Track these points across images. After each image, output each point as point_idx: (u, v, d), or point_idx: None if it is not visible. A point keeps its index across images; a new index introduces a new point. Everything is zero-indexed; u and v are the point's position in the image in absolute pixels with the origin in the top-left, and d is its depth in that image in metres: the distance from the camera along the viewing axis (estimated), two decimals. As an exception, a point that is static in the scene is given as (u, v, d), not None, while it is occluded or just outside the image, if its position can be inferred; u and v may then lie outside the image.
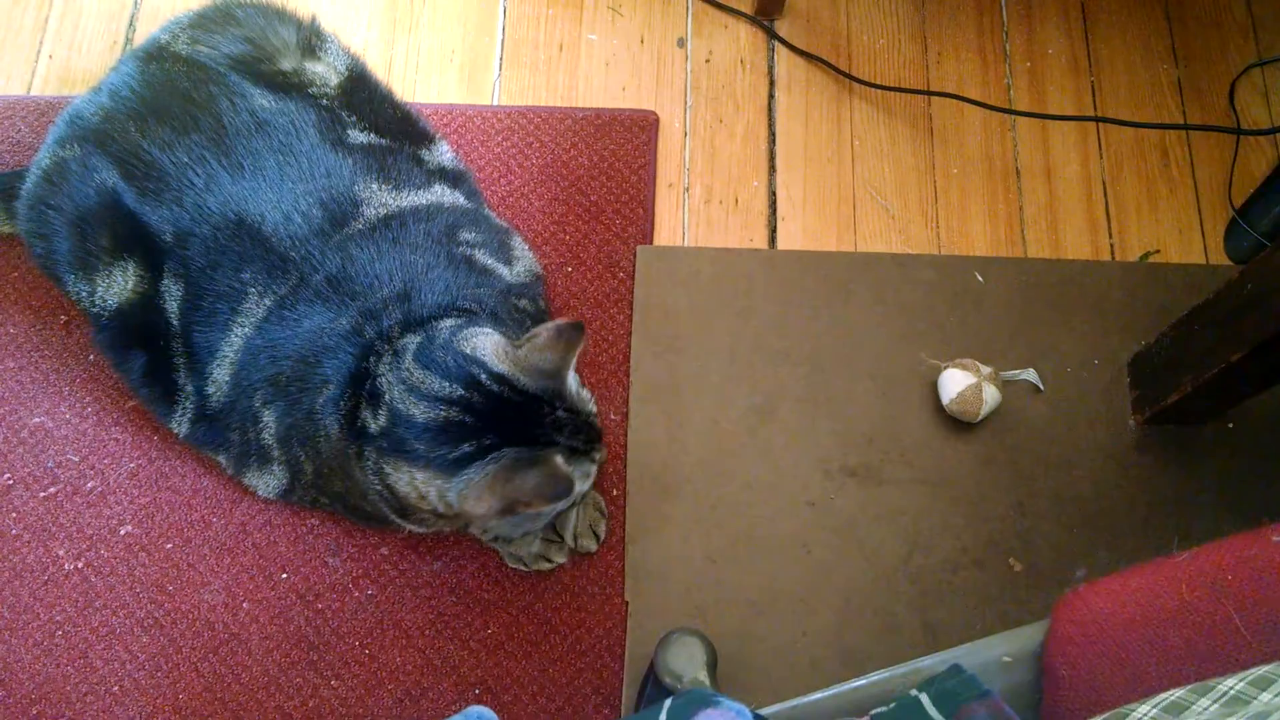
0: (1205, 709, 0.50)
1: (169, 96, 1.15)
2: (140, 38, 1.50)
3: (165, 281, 1.13)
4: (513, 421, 0.99)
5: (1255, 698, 0.50)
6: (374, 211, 1.14)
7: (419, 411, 0.98)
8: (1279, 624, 0.53)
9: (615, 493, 1.29)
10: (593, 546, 1.26)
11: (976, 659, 0.64)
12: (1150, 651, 0.55)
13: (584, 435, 1.02)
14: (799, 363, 1.35)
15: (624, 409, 1.32)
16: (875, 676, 0.69)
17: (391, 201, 1.15)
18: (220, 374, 1.13)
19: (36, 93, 1.48)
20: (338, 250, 1.10)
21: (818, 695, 0.71)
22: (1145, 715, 0.51)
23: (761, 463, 1.32)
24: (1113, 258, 1.43)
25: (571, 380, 1.02)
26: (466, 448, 0.97)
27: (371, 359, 1.03)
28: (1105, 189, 1.46)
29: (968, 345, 1.35)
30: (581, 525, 1.25)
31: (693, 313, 1.38)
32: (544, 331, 0.99)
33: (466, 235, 1.19)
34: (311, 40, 1.24)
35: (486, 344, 1.00)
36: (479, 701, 1.20)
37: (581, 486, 1.02)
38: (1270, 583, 0.55)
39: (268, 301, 1.10)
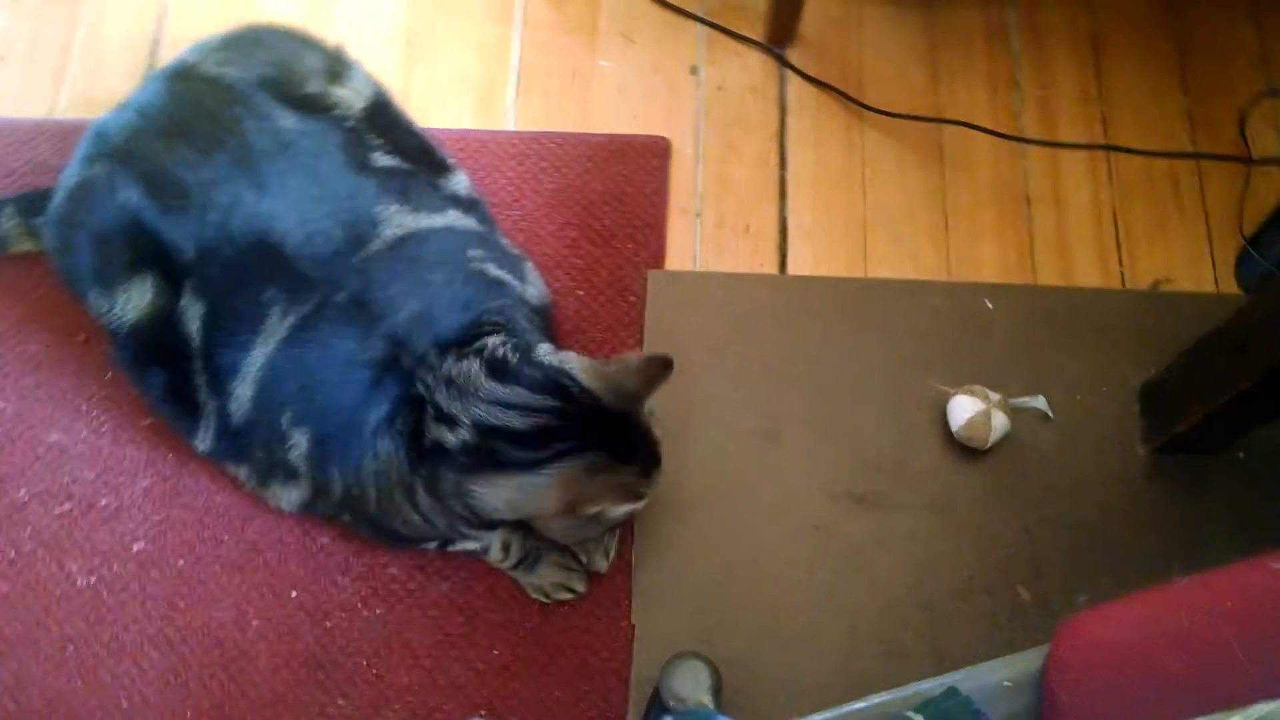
0: None
1: (195, 115, 1.17)
2: (163, 63, 1.52)
3: (186, 299, 1.15)
4: (598, 429, 1.06)
5: None
6: (393, 232, 1.15)
7: (517, 421, 1.04)
8: (1277, 650, 0.53)
9: (623, 515, 1.29)
10: (604, 565, 1.26)
11: (977, 683, 0.64)
12: (1150, 678, 0.55)
13: (650, 457, 1.10)
14: (807, 388, 1.36)
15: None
16: (875, 699, 0.69)
17: (410, 222, 1.17)
18: (243, 392, 1.14)
19: (60, 115, 1.51)
20: (358, 271, 1.12)
21: (817, 717, 0.72)
22: None
23: (769, 487, 1.32)
24: (1123, 285, 1.43)
25: (646, 409, 1.10)
26: (560, 445, 1.04)
27: (420, 385, 1.07)
28: (1115, 217, 1.46)
29: (977, 372, 1.35)
30: (595, 544, 1.26)
31: (702, 337, 1.38)
32: (635, 358, 1.09)
33: (477, 252, 1.21)
34: (337, 66, 1.25)
35: (571, 357, 1.09)
36: (485, 723, 1.21)
37: (639, 505, 1.10)
38: (1270, 610, 0.55)
39: (290, 321, 1.11)
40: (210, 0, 1.59)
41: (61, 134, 1.47)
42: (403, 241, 1.15)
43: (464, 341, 1.09)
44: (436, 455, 1.06)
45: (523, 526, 1.16)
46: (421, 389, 1.06)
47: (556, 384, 1.05)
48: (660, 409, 1.33)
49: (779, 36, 1.53)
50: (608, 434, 1.06)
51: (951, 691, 0.59)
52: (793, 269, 1.43)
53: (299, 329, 1.11)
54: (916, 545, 1.29)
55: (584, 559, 1.25)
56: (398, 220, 1.16)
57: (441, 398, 1.05)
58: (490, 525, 1.12)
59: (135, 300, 1.15)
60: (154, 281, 1.15)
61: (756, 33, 1.55)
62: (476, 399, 1.04)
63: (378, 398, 1.08)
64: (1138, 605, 0.60)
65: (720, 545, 1.29)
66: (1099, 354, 1.37)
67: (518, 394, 1.04)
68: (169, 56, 1.50)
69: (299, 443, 1.14)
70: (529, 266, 1.31)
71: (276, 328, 1.12)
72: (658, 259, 1.43)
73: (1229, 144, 1.50)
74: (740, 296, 1.41)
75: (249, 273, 1.12)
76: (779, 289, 1.42)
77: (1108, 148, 1.48)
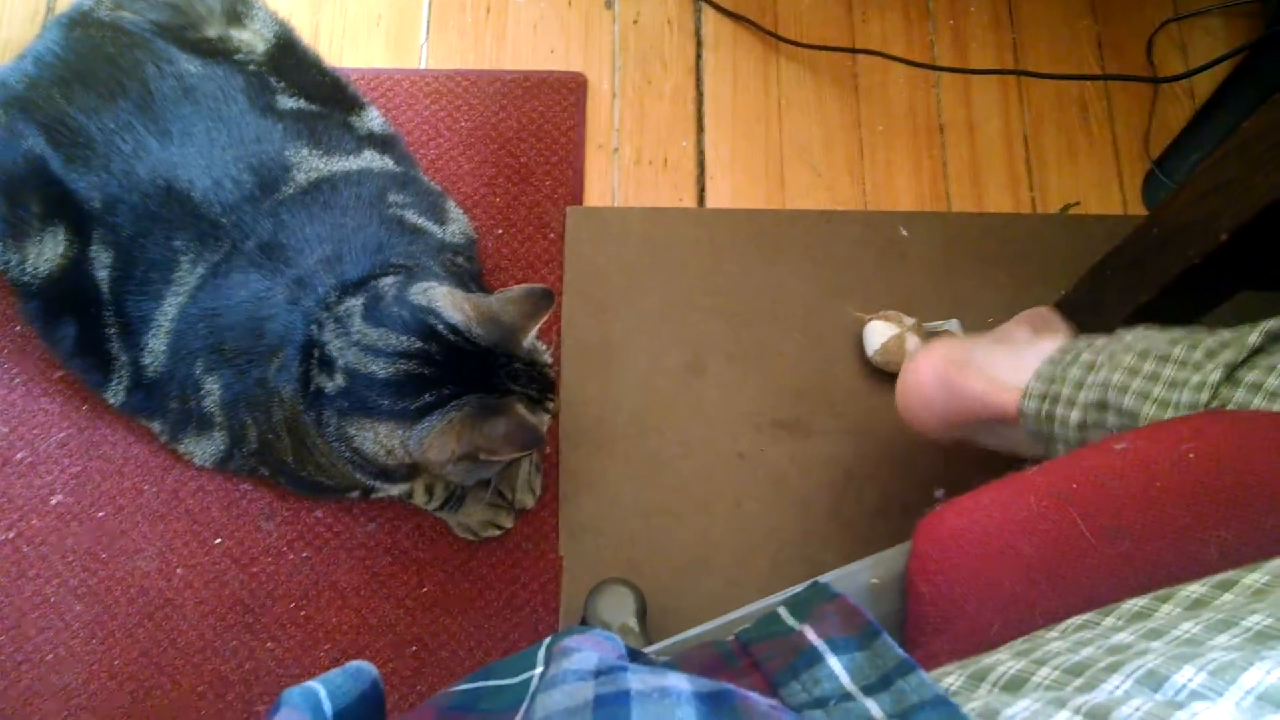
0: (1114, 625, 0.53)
1: (95, 62, 1.14)
2: (63, 6, 1.48)
3: (94, 249, 1.13)
4: (470, 370, 1.00)
5: (1158, 609, 0.52)
6: (304, 176, 1.14)
7: (379, 368, 0.99)
8: (1119, 526, 0.56)
9: (549, 450, 1.30)
10: (530, 501, 1.27)
11: (846, 584, 0.67)
12: (1002, 561, 0.58)
13: (538, 384, 1.05)
14: (729, 319, 1.37)
15: (557, 368, 1.34)
16: (752, 607, 0.71)
17: (322, 166, 1.16)
18: (156, 343, 1.13)
19: (-46, 63, 1.46)
20: (269, 216, 1.10)
21: (698, 629, 0.74)
22: (1053, 640, 0.54)
23: (693, 418, 1.33)
24: (1034, 210, 1.45)
25: (530, 340, 1.05)
26: (428, 397, 0.99)
27: (314, 326, 1.04)
28: (1026, 143, 1.48)
29: (894, 298, 1.38)
30: (521, 480, 1.27)
31: (623, 272, 1.39)
32: (516, 289, 1.03)
33: (397, 197, 1.20)
34: (237, 6, 1.23)
35: (439, 295, 1.02)
36: (414, 659, 1.22)
37: (534, 447, 1.04)
38: (1112, 487, 0.57)
39: (200, 269, 1.10)
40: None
41: (-44, 82, 1.42)
42: (316, 186, 1.14)
43: (363, 282, 1.05)
44: (319, 399, 1.02)
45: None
46: (315, 331, 1.03)
47: (423, 325, 0.99)
48: (584, 343, 1.35)
49: (693, -31, 1.53)
50: (483, 375, 1.01)
51: (813, 583, 0.61)
52: (711, 202, 1.44)
53: (210, 276, 1.10)
54: (838, 469, 1.32)
55: (510, 496, 1.26)
56: (310, 164, 1.15)
57: (329, 338, 1.02)
58: (388, 474, 1.07)
59: (48, 252, 1.13)
60: (65, 232, 1.13)
61: (671, -35, 1.54)
62: (350, 342, 1.00)
63: (282, 342, 1.06)
64: (990, 493, 0.62)
65: (646, 476, 1.31)
66: (1011, 278, 1.40)
67: (384, 337, 0.99)
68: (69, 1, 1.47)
69: (212, 390, 1.13)
70: (451, 202, 1.30)
71: (187, 276, 1.10)
72: (576, 195, 1.43)
73: (1137, 69, 1.52)
74: (660, 230, 1.41)
75: (157, 221, 1.11)
76: (699, 222, 1.42)
77: (1018, 73, 1.49)
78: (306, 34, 1.44)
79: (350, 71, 1.44)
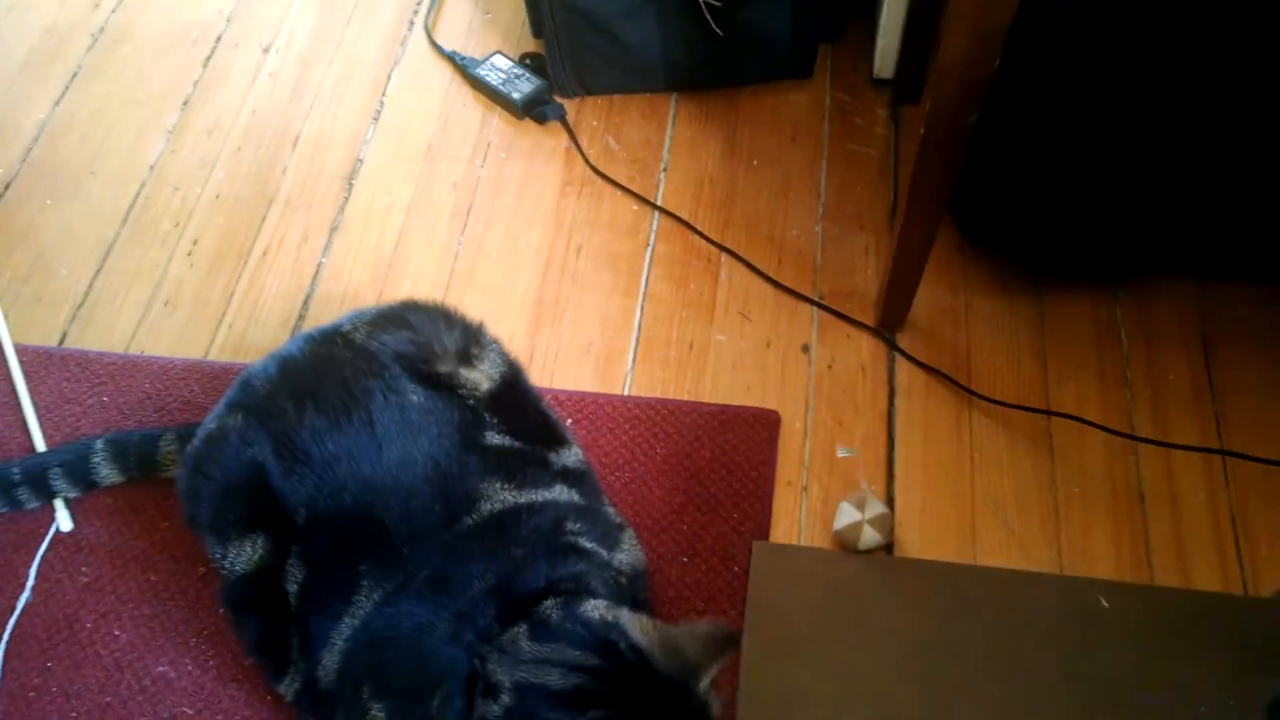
0: None
1: (330, 381, 1.22)
2: (312, 318, 1.65)
3: (291, 562, 1.18)
4: (644, 697, 0.99)
5: None
6: (490, 507, 1.17)
7: (553, 680, 0.99)
8: None
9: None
10: None
11: None
12: None
13: None
14: (917, 680, 1.31)
15: (731, 711, 1.30)
16: None
17: (510, 499, 1.19)
18: (329, 659, 1.15)
19: (213, 358, 1.63)
20: (445, 547, 1.14)
21: None
22: None
23: (873, 782, 1.26)
24: (1244, 589, 1.38)
25: (705, 686, 1.02)
26: (598, 713, 0.97)
27: (477, 660, 1.05)
28: (1234, 519, 1.43)
29: (1095, 672, 1.30)
30: None
31: (807, 616, 1.37)
32: (702, 624, 1.02)
33: (574, 525, 1.21)
34: (473, 348, 1.30)
35: (625, 615, 1.03)
36: None
37: None
38: None
39: (376, 596, 1.13)
40: (361, 260, 1.73)
41: (212, 375, 1.58)
42: (499, 517, 1.17)
43: (524, 609, 1.07)
44: None
45: None
46: (478, 664, 1.04)
47: (603, 641, 1.00)
48: (762, 688, 1.31)
49: (890, 322, 1.60)
50: (655, 704, 0.99)
51: None
52: (900, 549, 1.43)
53: (382, 604, 1.13)
54: None
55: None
56: (499, 497, 1.18)
57: (492, 667, 1.02)
58: None
59: (246, 556, 1.20)
60: (264, 541, 1.19)
61: (868, 317, 1.62)
62: (519, 661, 1.01)
63: (444, 677, 1.06)
64: None
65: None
66: (1225, 662, 1.31)
67: (559, 651, 1.00)
68: (318, 313, 1.65)
69: (378, 716, 1.12)
70: (628, 535, 1.32)
71: (364, 602, 1.14)
72: (763, 530, 1.44)
73: (1351, 451, 1.48)
74: (846, 574, 1.40)
75: (351, 544, 1.15)
76: (887, 570, 1.40)
77: (1223, 453, 1.46)
78: (523, 356, 1.56)
79: (558, 392, 1.54)
